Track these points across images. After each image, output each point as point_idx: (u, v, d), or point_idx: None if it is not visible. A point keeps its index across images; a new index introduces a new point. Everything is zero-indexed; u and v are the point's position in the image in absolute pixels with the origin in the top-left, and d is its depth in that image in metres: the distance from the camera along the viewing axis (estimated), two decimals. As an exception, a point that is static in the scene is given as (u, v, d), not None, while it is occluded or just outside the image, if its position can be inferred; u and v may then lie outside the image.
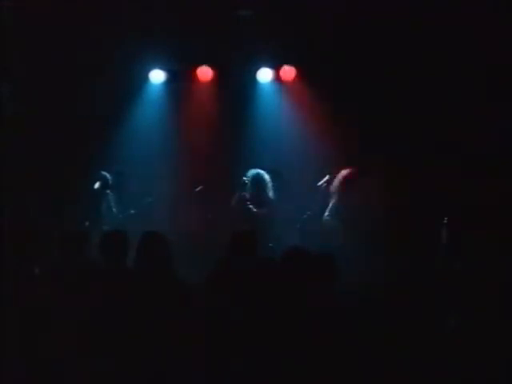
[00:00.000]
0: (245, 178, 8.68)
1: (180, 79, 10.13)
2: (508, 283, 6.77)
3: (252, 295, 5.13)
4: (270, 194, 8.68)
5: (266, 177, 8.70)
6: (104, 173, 9.13)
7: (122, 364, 4.98)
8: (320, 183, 8.80)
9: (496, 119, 8.73)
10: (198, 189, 9.35)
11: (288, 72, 9.91)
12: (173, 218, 9.20)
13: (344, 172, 8.44)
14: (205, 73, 10.02)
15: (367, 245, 7.87)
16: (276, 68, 9.90)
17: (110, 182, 9.11)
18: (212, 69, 9.98)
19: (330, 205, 8.46)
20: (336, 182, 8.44)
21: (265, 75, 9.96)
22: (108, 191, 9.10)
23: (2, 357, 5.00)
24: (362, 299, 5.58)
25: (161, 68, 10.03)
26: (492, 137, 8.78)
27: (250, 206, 8.59)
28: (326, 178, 8.78)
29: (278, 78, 9.98)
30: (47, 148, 9.43)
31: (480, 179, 8.64)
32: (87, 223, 8.65)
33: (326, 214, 8.46)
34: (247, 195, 8.64)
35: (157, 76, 10.07)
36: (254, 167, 8.83)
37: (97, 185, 9.06)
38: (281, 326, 4.76)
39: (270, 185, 8.69)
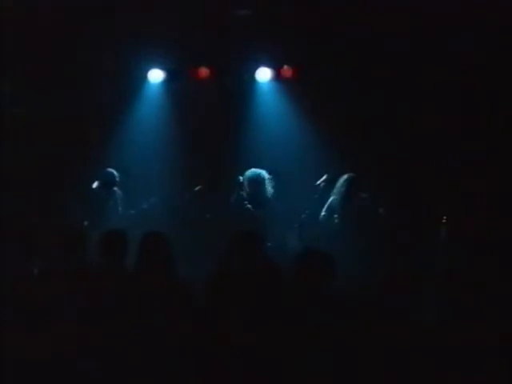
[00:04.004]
0: (240, 177, 8.69)
1: (179, 79, 10.13)
2: (508, 282, 6.80)
3: (252, 295, 5.14)
4: (269, 193, 8.68)
5: (265, 177, 8.70)
6: (111, 170, 9.09)
7: (122, 364, 4.99)
8: (318, 182, 8.81)
9: (496, 120, 8.76)
10: (197, 188, 9.35)
11: (287, 72, 9.92)
12: (172, 217, 9.20)
13: (346, 176, 8.42)
14: (204, 72, 10.01)
15: (366, 244, 7.88)
16: (275, 68, 9.90)
17: (118, 179, 9.06)
18: (211, 68, 9.97)
19: (328, 204, 8.46)
20: (338, 184, 8.43)
21: (264, 75, 9.96)
22: (115, 189, 9.07)
23: (2, 357, 5.00)
24: (361, 299, 5.59)
25: (159, 67, 10.03)
26: (492, 137, 8.80)
27: (249, 206, 8.60)
28: (324, 177, 8.79)
29: (277, 78, 9.99)
30: (47, 148, 9.43)
31: (480, 179, 8.68)
32: (86, 223, 8.64)
33: (323, 212, 8.46)
34: (245, 195, 8.64)
35: (155, 75, 10.07)
36: (253, 167, 8.82)
37: (95, 184, 9.05)
38: (281, 326, 4.77)
39: (268, 185, 8.69)
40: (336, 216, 8.35)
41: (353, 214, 8.22)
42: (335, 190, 8.43)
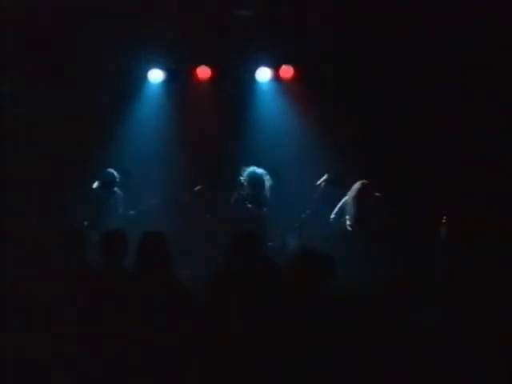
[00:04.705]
0: (241, 177, 8.69)
1: (179, 79, 10.13)
2: (507, 282, 6.80)
3: (252, 295, 5.13)
4: (269, 193, 8.68)
5: (265, 176, 8.70)
6: (111, 170, 9.08)
7: (121, 364, 4.98)
8: (318, 182, 8.81)
9: (495, 120, 8.76)
10: (196, 188, 9.35)
11: (287, 71, 9.92)
12: (172, 217, 9.19)
13: (359, 185, 8.37)
14: (204, 72, 10.02)
15: (368, 244, 7.89)
16: (275, 67, 9.91)
17: (118, 180, 9.05)
18: (211, 68, 9.98)
19: (338, 207, 8.43)
20: (351, 193, 8.37)
21: (264, 75, 9.97)
22: (116, 189, 9.06)
23: (2, 357, 5.00)
24: (361, 299, 5.59)
25: (159, 67, 10.03)
26: (492, 138, 8.80)
27: (249, 206, 8.60)
28: (325, 177, 8.79)
29: (277, 78, 9.99)
30: (47, 148, 9.43)
31: (480, 179, 8.68)
32: (86, 223, 8.65)
33: (333, 215, 8.45)
34: (245, 194, 8.64)
35: (155, 75, 10.07)
36: (253, 166, 8.83)
37: (95, 184, 9.06)
38: (281, 326, 4.77)
39: (268, 184, 8.69)
40: (348, 217, 8.32)
41: (368, 216, 8.18)
42: (348, 199, 8.35)
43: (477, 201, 8.63)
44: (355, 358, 4.68)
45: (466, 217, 8.40)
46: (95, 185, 9.06)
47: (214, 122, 9.94)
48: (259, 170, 8.67)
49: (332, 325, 4.77)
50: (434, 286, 7.36)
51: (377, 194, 8.32)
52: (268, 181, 8.66)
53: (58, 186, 9.28)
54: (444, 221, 8.18)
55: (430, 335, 5.65)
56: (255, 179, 8.61)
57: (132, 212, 9.01)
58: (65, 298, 5.24)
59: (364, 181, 8.36)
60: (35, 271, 5.70)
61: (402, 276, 7.31)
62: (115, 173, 9.01)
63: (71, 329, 5.08)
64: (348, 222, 8.31)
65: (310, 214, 8.72)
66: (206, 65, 9.95)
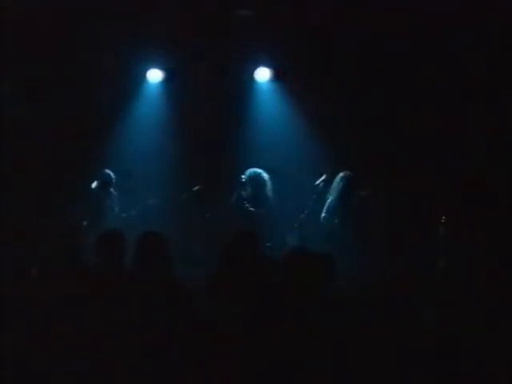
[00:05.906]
0: (242, 177, 8.69)
1: (178, 78, 10.13)
2: (507, 281, 6.81)
3: (252, 295, 5.13)
4: (269, 193, 8.68)
5: (265, 176, 8.70)
6: (108, 171, 9.09)
7: (121, 364, 4.98)
8: (317, 182, 8.82)
9: (495, 120, 8.76)
10: (195, 188, 9.35)
11: (287, 72, 9.92)
12: (172, 217, 9.20)
13: (342, 174, 8.43)
14: (204, 72, 10.01)
15: (365, 244, 7.89)
16: (275, 68, 9.91)
17: (114, 180, 9.07)
18: (211, 68, 9.97)
19: (327, 204, 8.46)
20: (335, 183, 8.44)
21: (263, 75, 9.96)
22: (111, 190, 9.08)
23: (2, 356, 5.00)
24: (361, 299, 5.59)
25: (159, 67, 10.03)
26: (492, 137, 8.80)
27: (247, 205, 8.60)
28: (323, 177, 8.79)
29: (276, 78, 9.99)
30: (47, 148, 9.43)
31: (480, 179, 8.68)
32: (85, 223, 8.65)
33: (323, 214, 8.47)
34: (245, 194, 8.64)
35: (154, 75, 10.06)
36: (253, 167, 8.83)
37: (94, 184, 9.07)
38: (281, 326, 4.77)
39: (269, 184, 8.70)
40: (335, 215, 8.36)
41: (351, 214, 8.23)
42: (331, 190, 8.43)
43: (477, 201, 8.63)
44: (355, 358, 4.68)
45: (466, 217, 8.40)
46: (94, 185, 9.08)
47: (213, 121, 9.93)
48: (260, 170, 8.69)
49: (332, 325, 4.77)
50: (433, 286, 7.37)
51: (363, 192, 8.33)
52: (269, 181, 8.67)
53: (57, 186, 9.29)
54: (443, 221, 8.19)
55: (429, 335, 5.65)
56: (256, 179, 8.63)
57: (124, 215, 9.01)
58: (64, 298, 5.24)
59: (346, 173, 8.39)
60: (34, 271, 5.70)
61: (401, 276, 7.31)
62: (111, 173, 9.05)
63: (70, 329, 5.07)
64: (336, 221, 8.34)
65: (309, 214, 8.73)
66: (206, 65, 9.93)
